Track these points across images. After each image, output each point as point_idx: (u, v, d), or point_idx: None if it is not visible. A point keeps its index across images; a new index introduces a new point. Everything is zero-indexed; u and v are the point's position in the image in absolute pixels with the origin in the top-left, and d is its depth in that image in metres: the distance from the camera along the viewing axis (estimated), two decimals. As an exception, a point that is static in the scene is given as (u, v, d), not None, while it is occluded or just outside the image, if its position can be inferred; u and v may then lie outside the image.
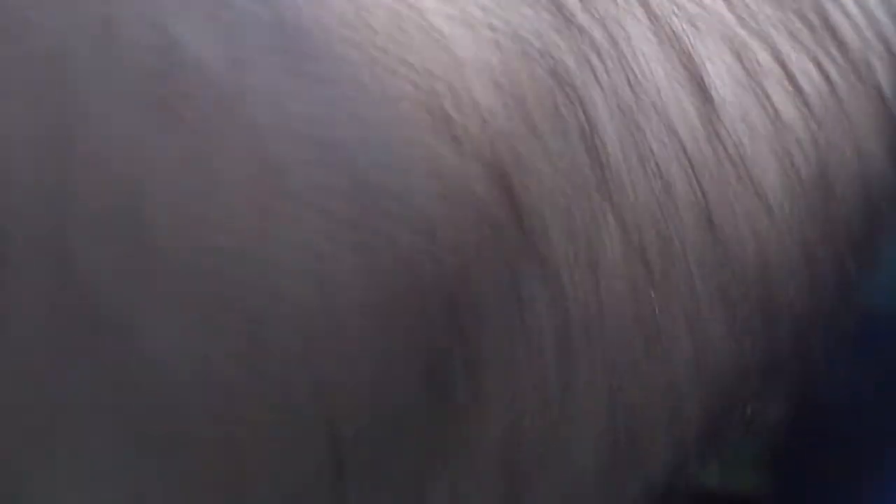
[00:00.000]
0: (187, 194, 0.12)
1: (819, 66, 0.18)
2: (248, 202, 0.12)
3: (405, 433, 0.14)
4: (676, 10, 0.17)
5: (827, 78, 0.18)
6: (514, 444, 0.15)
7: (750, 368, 0.18)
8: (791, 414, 0.21)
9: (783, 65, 0.18)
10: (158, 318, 0.12)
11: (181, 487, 0.12)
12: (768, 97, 0.17)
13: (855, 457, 0.32)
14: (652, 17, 0.17)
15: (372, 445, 0.13)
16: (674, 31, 0.17)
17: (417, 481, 0.14)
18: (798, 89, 0.18)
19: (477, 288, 0.14)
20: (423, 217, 0.13)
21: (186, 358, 0.12)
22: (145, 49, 0.12)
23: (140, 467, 0.12)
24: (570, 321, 0.15)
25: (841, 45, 0.19)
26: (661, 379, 0.17)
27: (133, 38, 0.12)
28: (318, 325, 0.12)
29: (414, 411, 0.14)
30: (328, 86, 0.13)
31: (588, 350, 0.16)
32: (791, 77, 0.18)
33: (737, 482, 0.34)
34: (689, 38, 0.17)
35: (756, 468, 0.34)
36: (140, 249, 0.11)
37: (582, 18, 0.16)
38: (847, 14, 0.19)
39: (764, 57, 0.18)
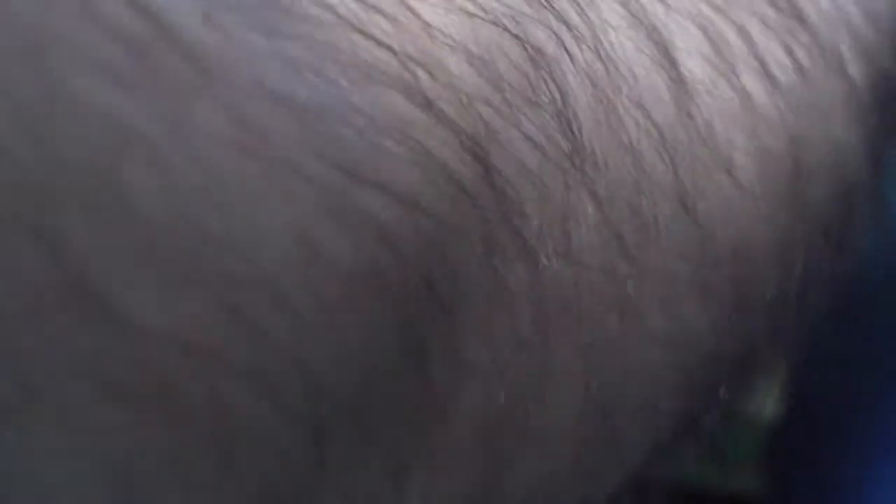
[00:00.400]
0: (167, 160, 0.12)
1: (788, 49, 0.18)
2: (227, 166, 0.12)
3: (384, 406, 0.14)
4: None
5: (796, 61, 0.18)
6: (492, 420, 0.15)
7: (725, 350, 0.18)
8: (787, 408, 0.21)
9: (753, 47, 0.18)
10: (139, 282, 0.11)
11: (163, 450, 0.12)
12: (738, 78, 0.17)
13: (848, 450, 0.32)
14: None
15: (351, 418, 0.13)
16: (644, 9, 0.17)
17: (397, 456, 0.14)
18: (767, 72, 0.18)
19: (453, 258, 0.14)
20: (400, 184, 0.13)
21: (167, 321, 0.12)
22: (121, 19, 0.12)
23: (122, 430, 0.12)
24: (545, 294, 0.15)
25: (808, 28, 0.19)
26: (636, 357, 0.17)
27: (108, 9, 0.12)
28: (298, 291, 0.12)
29: (393, 384, 0.14)
30: (302, 47, 0.13)
31: (564, 325, 0.15)
32: (760, 59, 0.18)
33: (736, 482, 0.34)
34: (659, 17, 0.17)
35: (756, 468, 0.34)
36: (121, 216, 0.11)
37: None
38: (814, 1, 0.19)
39: (734, 38, 0.18)
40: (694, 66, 0.17)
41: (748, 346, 0.19)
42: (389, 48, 0.14)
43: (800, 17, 0.19)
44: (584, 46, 0.16)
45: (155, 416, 0.12)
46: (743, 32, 0.18)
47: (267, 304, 0.12)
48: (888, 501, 0.33)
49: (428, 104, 0.14)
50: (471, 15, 0.15)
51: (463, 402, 0.15)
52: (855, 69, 0.19)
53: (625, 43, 0.16)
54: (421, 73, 0.14)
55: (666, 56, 0.17)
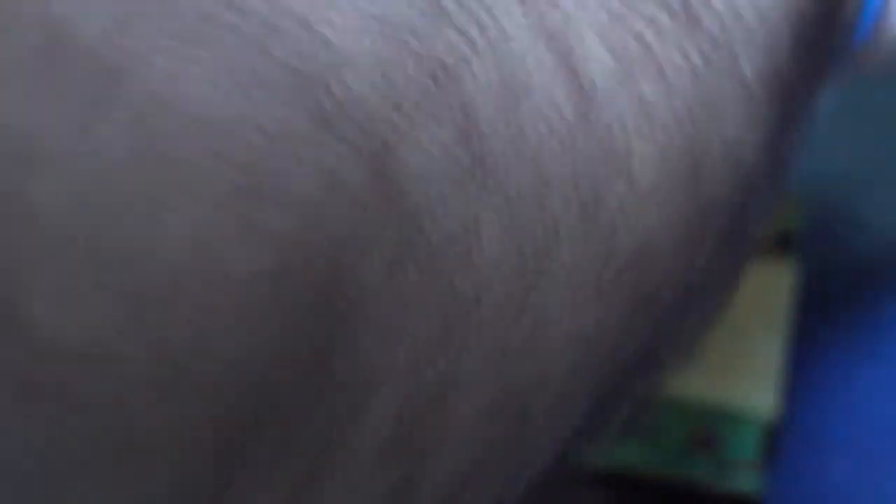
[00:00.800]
0: (70, 170, 0.12)
1: (684, 53, 0.18)
2: (129, 176, 0.12)
3: (293, 415, 0.14)
4: None
5: (690, 64, 0.18)
6: (402, 426, 0.15)
7: (631, 347, 0.18)
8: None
9: (648, 50, 0.18)
10: (41, 291, 0.12)
11: (69, 454, 0.12)
12: (637, 84, 0.18)
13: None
14: (521, 3, 0.17)
15: (256, 426, 0.14)
16: (543, 16, 0.17)
17: (306, 463, 0.14)
18: (663, 74, 0.18)
19: (354, 272, 0.14)
20: (299, 198, 0.14)
21: (69, 329, 0.12)
22: (31, 28, 0.12)
23: (27, 433, 0.12)
24: (449, 309, 0.15)
25: (703, 32, 0.19)
26: (540, 362, 0.17)
27: (18, 17, 0.12)
28: (203, 305, 0.13)
29: (301, 394, 0.14)
30: (205, 64, 0.13)
31: (468, 334, 0.16)
32: (656, 62, 0.18)
33: (736, 482, 0.34)
34: (559, 26, 0.17)
35: (756, 468, 0.34)
36: (23, 225, 0.12)
37: (452, 6, 0.16)
38: (707, 1, 0.19)
39: (632, 45, 0.18)
40: (594, 73, 0.17)
41: (655, 340, 0.19)
42: (290, 66, 0.14)
43: (695, 21, 0.19)
44: (484, 58, 0.16)
45: (59, 421, 0.12)
46: (640, 39, 0.18)
47: (169, 311, 0.13)
48: (888, 499, 0.33)
49: (328, 121, 0.14)
50: (372, 33, 0.15)
51: (371, 410, 0.15)
52: (748, 68, 0.19)
53: (525, 53, 0.17)
54: (321, 90, 0.14)
55: (566, 64, 0.17)
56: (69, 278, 0.12)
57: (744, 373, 0.34)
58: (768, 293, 0.35)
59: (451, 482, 0.16)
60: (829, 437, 0.34)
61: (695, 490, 0.34)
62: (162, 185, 0.13)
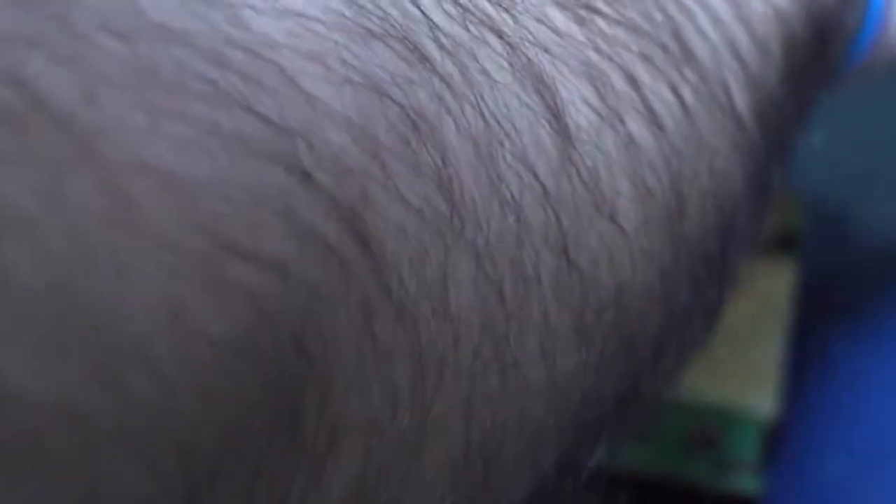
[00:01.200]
0: (43, 233, 0.12)
1: (673, 88, 0.18)
2: (102, 238, 0.12)
3: (257, 468, 0.14)
4: (531, 37, 0.17)
5: (681, 99, 0.18)
6: (369, 477, 0.15)
7: (607, 389, 0.18)
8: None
9: (638, 88, 0.18)
10: (13, 349, 0.12)
11: None
12: (623, 122, 0.17)
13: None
14: (506, 46, 0.17)
15: (225, 480, 0.14)
16: (528, 59, 0.17)
17: None
18: (652, 112, 0.18)
19: (328, 325, 0.14)
20: (274, 255, 0.14)
21: (41, 386, 0.12)
22: (3, 88, 0.12)
23: None
24: (423, 356, 0.15)
25: (696, 64, 0.19)
26: (515, 407, 0.17)
27: None
28: (168, 358, 0.13)
29: (265, 446, 0.14)
30: (181, 122, 0.13)
31: (442, 383, 0.16)
32: (645, 100, 0.18)
33: (736, 482, 0.34)
34: (544, 66, 0.17)
35: (756, 468, 0.34)
36: (0, 289, 0.12)
37: (435, 53, 0.16)
38: (702, 33, 0.19)
39: (619, 81, 0.18)
40: (579, 115, 0.17)
41: (631, 381, 0.19)
42: (270, 121, 0.14)
43: (688, 54, 0.19)
44: (465, 105, 0.16)
45: (29, 475, 0.12)
46: (630, 78, 0.18)
47: (138, 370, 0.13)
48: (887, 499, 0.33)
49: (306, 176, 0.14)
50: (354, 84, 0.15)
51: (339, 460, 0.15)
52: (740, 98, 0.19)
53: (508, 97, 0.16)
54: (301, 144, 0.14)
55: (550, 107, 0.17)
56: (40, 338, 0.12)
57: (744, 373, 0.34)
58: (768, 293, 0.35)
59: None
60: (829, 437, 0.34)
61: (695, 490, 0.34)
62: (132, 248, 0.13)
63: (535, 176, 0.16)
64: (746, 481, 0.34)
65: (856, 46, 0.24)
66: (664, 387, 0.20)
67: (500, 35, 0.17)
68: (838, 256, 0.35)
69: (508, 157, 0.16)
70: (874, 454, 0.33)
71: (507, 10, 0.17)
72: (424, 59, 0.16)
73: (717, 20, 0.19)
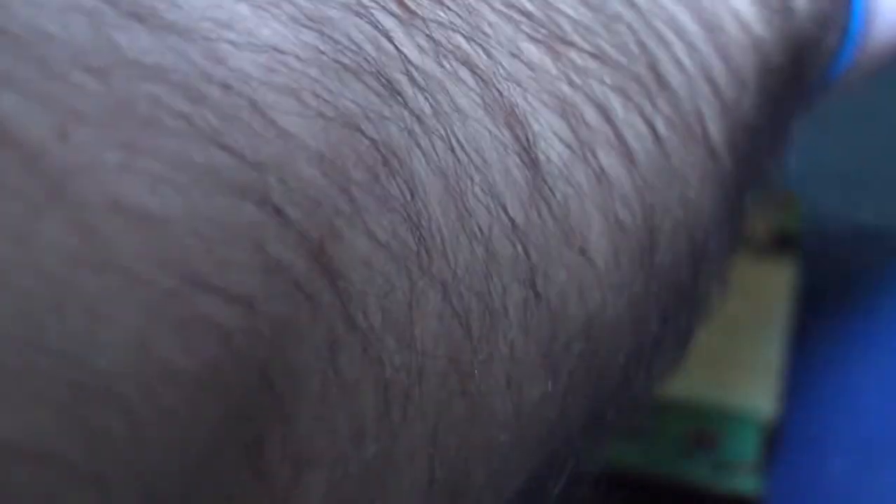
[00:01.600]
0: (11, 273, 0.12)
1: (647, 119, 0.18)
2: (70, 278, 0.13)
3: (226, 502, 0.14)
4: (503, 71, 0.17)
5: (654, 131, 0.18)
6: None
7: (574, 419, 0.18)
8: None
9: (610, 121, 0.18)
10: None
11: None
12: (595, 155, 0.18)
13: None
14: (479, 80, 0.17)
15: None
16: (500, 93, 0.17)
17: None
18: (625, 145, 0.18)
19: (294, 359, 0.14)
20: (241, 289, 0.14)
21: (10, 425, 0.12)
22: None
23: None
24: (388, 388, 0.16)
25: (670, 94, 0.19)
26: (481, 437, 0.17)
27: None
28: (136, 396, 0.13)
29: (233, 482, 0.14)
30: (155, 160, 0.13)
31: (407, 414, 0.16)
32: (618, 133, 0.18)
33: (736, 482, 0.34)
34: (516, 100, 0.17)
35: (756, 468, 0.34)
36: None
37: (407, 88, 0.16)
38: (678, 62, 0.19)
39: (591, 114, 0.18)
40: (550, 149, 0.17)
41: (598, 409, 0.19)
42: (243, 157, 0.14)
43: (663, 84, 0.19)
44: (436, 140, 0.16)
45: None
46: (602, 111, 0.18)
47: (106, 408, 0.13)
48: (887, 498, 0.33)
49: (277, 211, 0.14)
50: (326, 118, 0.15)
51: (304, 493, 0.15)
52: (714, 127, 0.19)
53: (479, 132, 0.17)
54: (272, 179, 0.14)
55: (521, 141, 0.17)
56: (7, 377, 0.12)
57: (744, 373, 0.34)
58: (768, 293, 0.35)
59: None
60: (829, 436, 0.34)
61: (695, 490, 0.34)
62: (101, 287, 0.13)
63: (505, 209, 0.17)
64: (746, 481, 0.34)
65: (836, 65, 0.24)
66: (631, 414, 0.20)
67: (472, 69, 0.17)
68: (838, 256, 0.35)
69: (478, 191, 0.16)
70: (874, 454, 0.33)
71: (480, 45, 0.17)
72: (396, 93, 0.16)
73: (693, 49, 0.19)
